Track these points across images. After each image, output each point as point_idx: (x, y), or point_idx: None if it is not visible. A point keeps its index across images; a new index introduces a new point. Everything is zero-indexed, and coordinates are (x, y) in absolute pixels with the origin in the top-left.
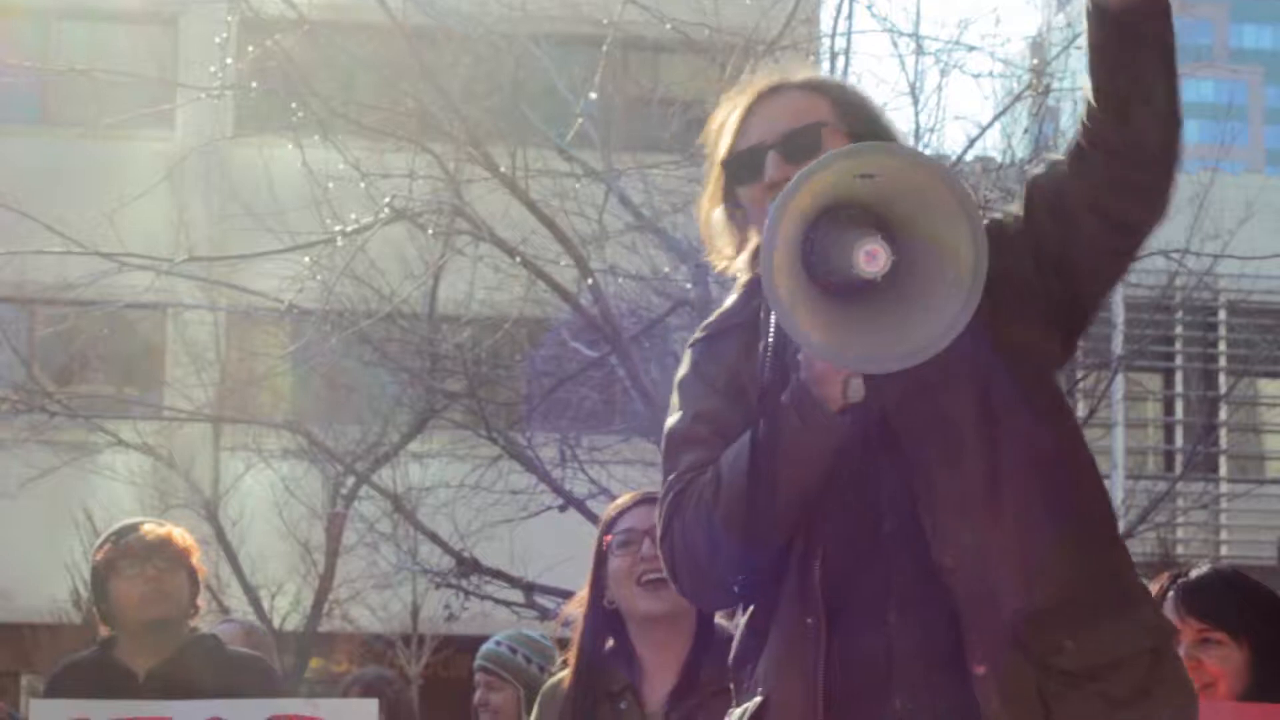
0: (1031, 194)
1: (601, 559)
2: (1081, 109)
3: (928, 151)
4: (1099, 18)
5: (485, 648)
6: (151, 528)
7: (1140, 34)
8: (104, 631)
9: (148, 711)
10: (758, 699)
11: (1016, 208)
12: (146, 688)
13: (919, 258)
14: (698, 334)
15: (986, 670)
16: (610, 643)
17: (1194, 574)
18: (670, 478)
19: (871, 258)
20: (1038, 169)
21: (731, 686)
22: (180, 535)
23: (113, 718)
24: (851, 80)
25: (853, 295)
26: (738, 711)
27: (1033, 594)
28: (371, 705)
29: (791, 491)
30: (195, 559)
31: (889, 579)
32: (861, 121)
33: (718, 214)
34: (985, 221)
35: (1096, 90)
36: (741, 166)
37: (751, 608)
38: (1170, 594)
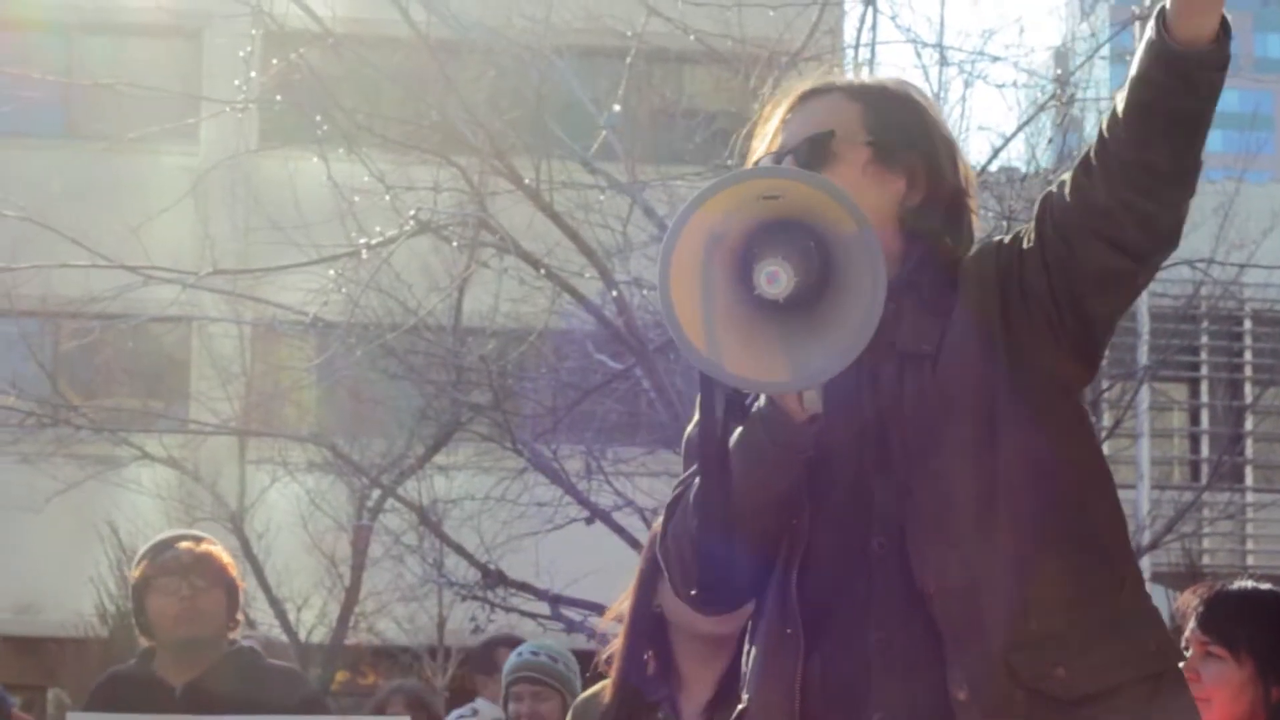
0: (1042, 210)
1: (655, 564)
2: (1105, 119)
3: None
4: (1156, 53)
5: (524, 659)
6: (189, 545)
7: (1193, 80)
8: (144, 643)
9: None
10: (740, 706)
11: (1032, 224)
12: (183, 701)
13: (835, 277)
14: None
15: (968, 697)
16: (649, 652)
17: (1224, 587)
18: (676, 483)
19: (772, 279)
20: (1054, 185)
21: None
22: (219, 552)
23: None
24: (909, 84)
25: (794, 311)
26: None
27: (1026, 625)
28: None
29: (759, 499)
30: (234, 574)
31: (874, 596)
32: (895, 130)
33: None
34: (1003, 238)
35: (1129, 108)
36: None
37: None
38: (1197, 605)
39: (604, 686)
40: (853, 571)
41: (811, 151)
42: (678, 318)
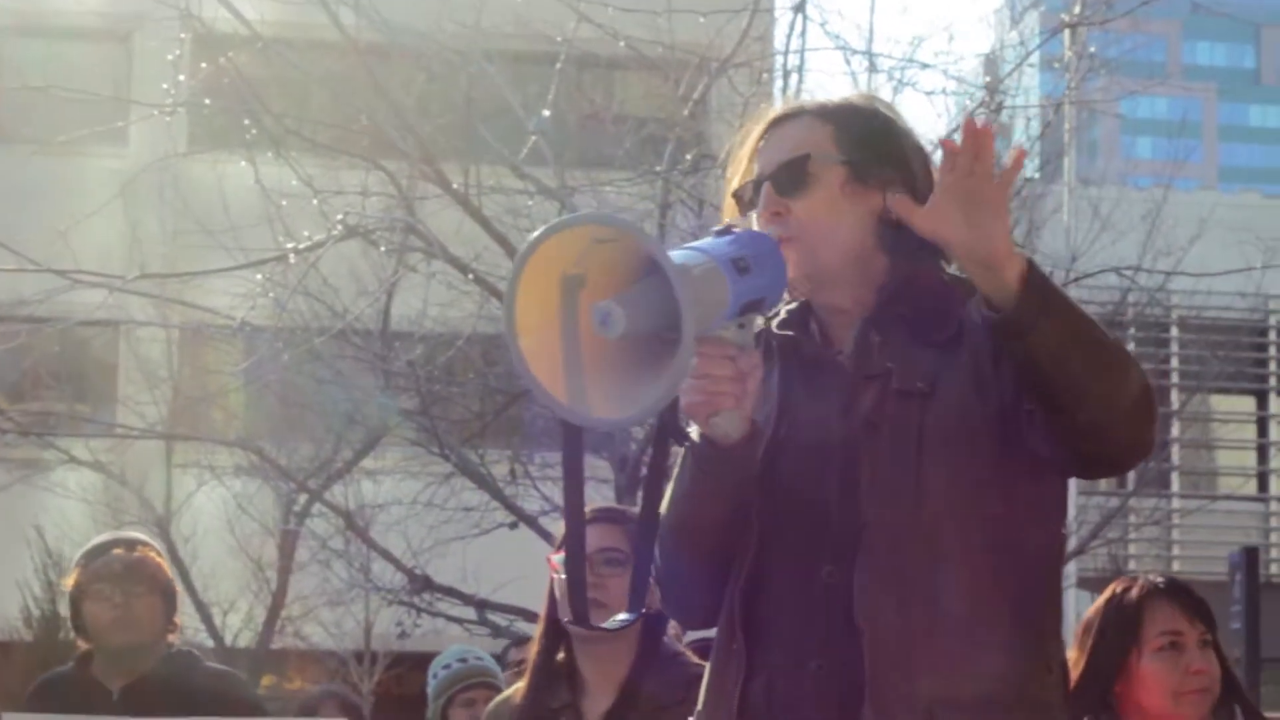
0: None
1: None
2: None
3: None
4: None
5: (470, 665)
6: (121, 551)
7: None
8: (82, 646)
9: None
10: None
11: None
12: (120, 704)
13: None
14: None
15: None
16: (560, 657)
17: (1160, 579)
18: None
19: (604, 320)
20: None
21: None
22: (154, 556)
23: None
24: (875, 99)
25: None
26: None
27: (959, 686)
28: None
29: (701, 520)
30: (169, 579)
31: (820, 624)
32: (868, 147)
33: None
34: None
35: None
36: (744, 200)
37: None
38: (1164, 599)
39: (516, 690)
40: (804, 596)
41: (789, 176)
42: (524, 357)
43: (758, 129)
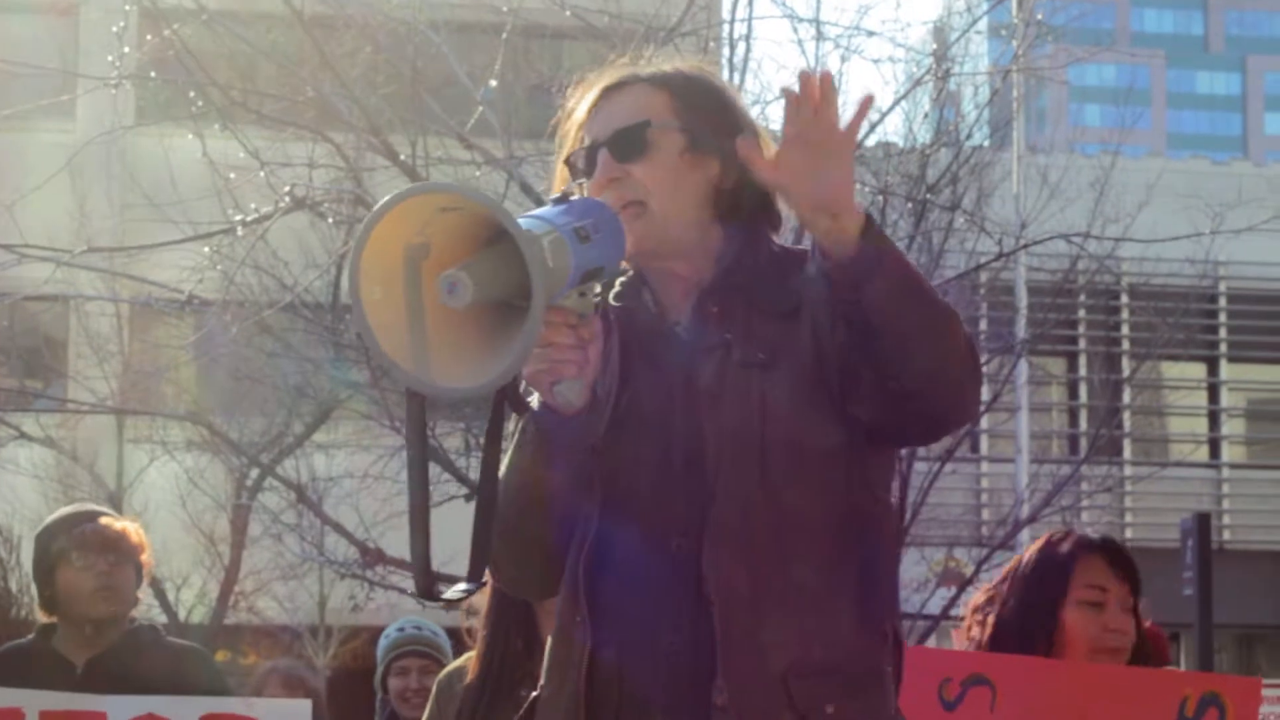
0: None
1: None
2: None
3: None
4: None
5: (406, 634)
6: (109, 521)
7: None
8: (43, 617)
9: (82, 705)
10: (533, 694)
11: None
12: (84, 678)
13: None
14: None
15: (726, 704)
16: (513, 628)
17: (1100, 535)
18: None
19: (451, 289)
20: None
21: None
22: (135, 530)
23: (45, 710)
24: (706, 69)
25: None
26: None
27: (810, 654)
28: (305, 706)
29: (541, 489)
30: (145, 555)
31: (669, 597)
32: (703, 116)
33: None
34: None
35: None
36: (578, 167)
37: None
38: (1095, 554)
39: (468, 659)
40: (652, 569)
41: (626, 142)
42: (370, 328)
43: (590, 96)
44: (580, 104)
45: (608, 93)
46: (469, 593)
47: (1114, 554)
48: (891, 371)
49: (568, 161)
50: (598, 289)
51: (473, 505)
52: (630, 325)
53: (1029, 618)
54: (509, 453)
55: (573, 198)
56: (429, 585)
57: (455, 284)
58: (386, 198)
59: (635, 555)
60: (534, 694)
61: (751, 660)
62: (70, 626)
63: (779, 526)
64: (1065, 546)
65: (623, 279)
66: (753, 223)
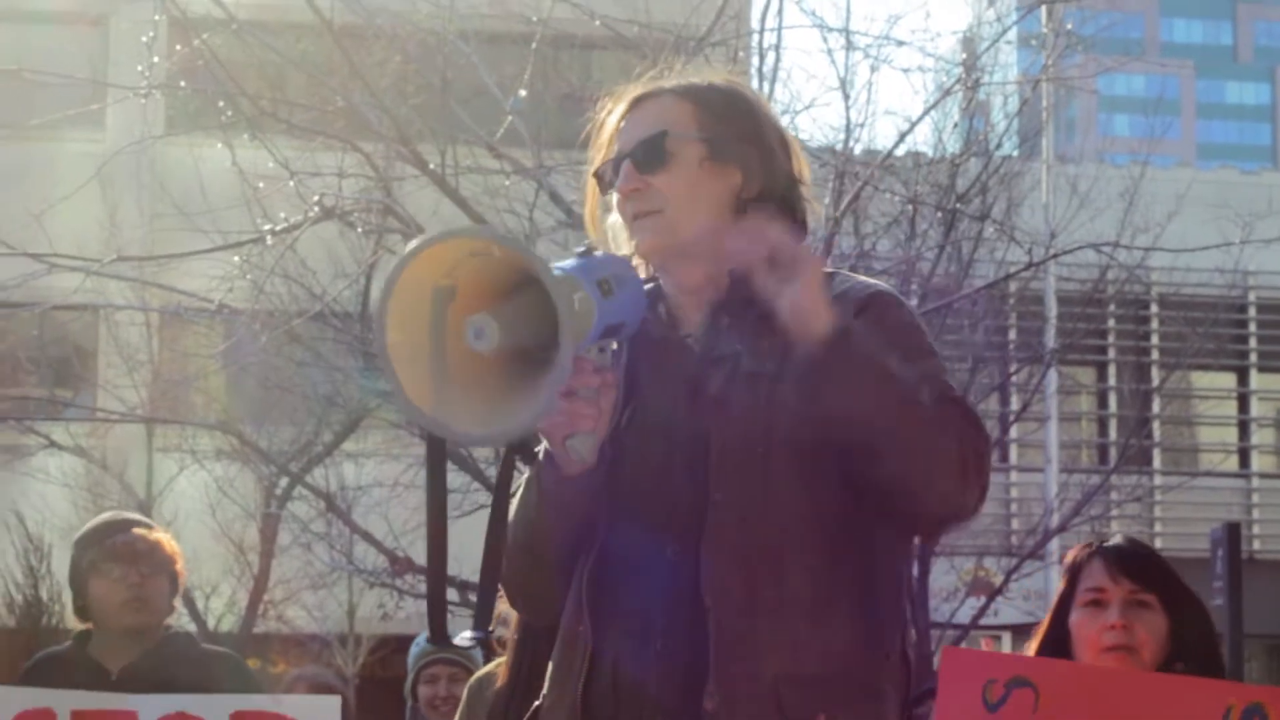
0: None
1: None
2: None
3: (858, 147)
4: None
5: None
6: (142, 533)
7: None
8: (79, 626)
9: (113, 704)
10: (536, 703)
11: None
12: (120, 686)
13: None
14: None
15: (718, 710)
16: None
17: (1116, 540)
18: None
19: (478, 334)
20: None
21: None
22: (168, 541)
23: (77, 709)
24: (737, 82)
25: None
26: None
27: (803, 663)
28: (335, 702)
29: (547, 542)
30: (179, 565)
31: (665, 603)
32: (727, 126)
33: (613, 219)
34: (864, 298)
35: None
36: (605, 178)
37: None
38: (1098, 556)
39: (499, 665)
40: (648, 575)
41: (647, 153)
42: (392, 366)
43: (619, 109)
44: (610, 117)
45: (635, 105)
46: (478, 640)
47: (1116, 555)
48: (860, 469)
49: (596, 174)
50: (614, 345)
51: None
52: (641, 336)
53: (1050, 626)
54: (516, 502)
55: (596, 251)
56: (443, 629)
57: (482, 329)
58: (418, 239)
59: (636, 562)
60: (537, 704)
61: (743, 666)
62: (106, 635)
63: (777, 536)
64: (1077, 554)
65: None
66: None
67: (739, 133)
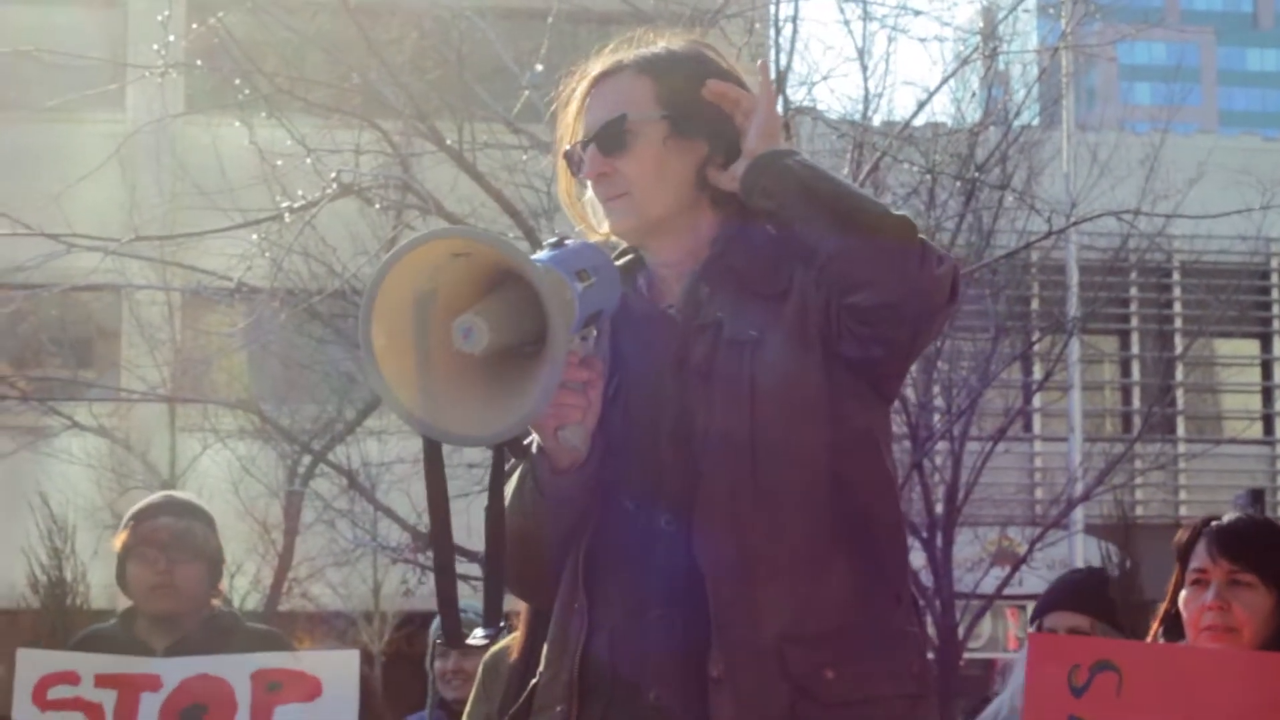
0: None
1: None
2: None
3: (876, 118)
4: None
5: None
6: (171, 520)
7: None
8: (127, 603)
9: (136, 668)
10: (534, 680)
11: None
12: None
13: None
14: None
15: (722, 675)
16: None
17: (1227, 518)
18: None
19: (466, 335)
20: None
21: None
22: (203, 528)
23: (100, 673)
24: (697, 44)
25: (529, 361)
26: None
27: (805, 621)
28: (353, 655)
29: (543, 535)
30: (217, 546)
31: (659, 574)
32: (688, 96)
33: (589, 195)
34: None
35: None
36: (575, 161)
37: None
38: (1203, 536)
39: (513, 640)
40: (642, 547)
41: (609, 138)
42: (382, 374)
43: (582, 87)
44: (574, 95)
45: (597, 82)
46: (490, 637)
47: (1216, 536)
48: (842, 301)
49: (566, 156)
50: (595, 332)
51: None
52: (623, 311)
53: (1168, 606)
54: (511, 494)
55: (568, 241)
56: (457, 630)
57: (470, 329)
58: (400, 244)
59: (629, 537)
60: (534, 681)
61: (745, 630)
62: (145, 618)
63: (768, 499)
64: (1186, 535)
65: (620, 263)
66: (750, 203)
67: (701, 104)
